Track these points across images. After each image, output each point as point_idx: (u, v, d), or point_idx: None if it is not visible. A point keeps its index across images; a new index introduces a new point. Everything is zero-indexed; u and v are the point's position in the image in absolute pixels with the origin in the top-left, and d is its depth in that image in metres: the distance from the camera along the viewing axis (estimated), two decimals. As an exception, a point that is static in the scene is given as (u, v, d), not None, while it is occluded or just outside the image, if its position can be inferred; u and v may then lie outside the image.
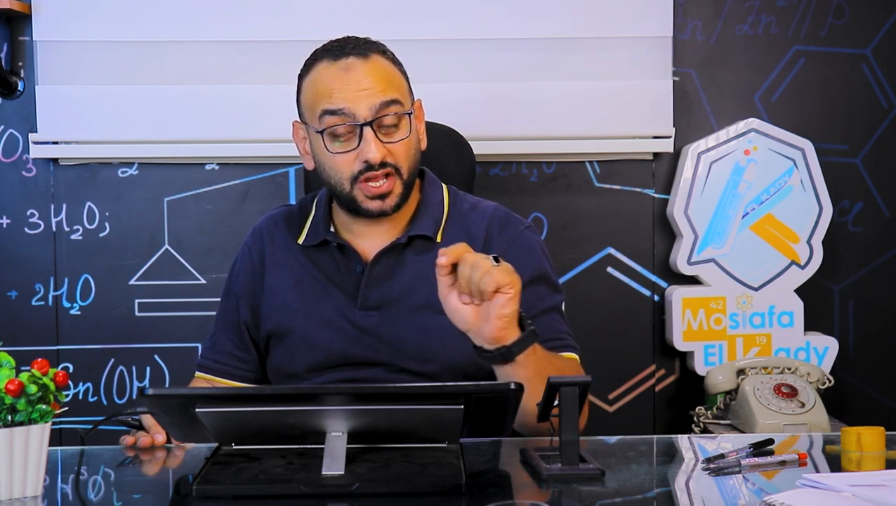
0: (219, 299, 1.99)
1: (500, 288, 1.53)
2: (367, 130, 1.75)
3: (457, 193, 1.94)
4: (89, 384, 2.75)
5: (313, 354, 1.85)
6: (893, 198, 2.82)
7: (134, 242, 2.76)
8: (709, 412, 2.60)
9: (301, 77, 1.84)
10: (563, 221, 2.79)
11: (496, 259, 1.54)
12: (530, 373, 1.58)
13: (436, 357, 1.79)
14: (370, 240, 1.86)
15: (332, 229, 1.89)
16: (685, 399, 2.79)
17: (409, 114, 1.79)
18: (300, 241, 1.90)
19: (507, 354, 1.58)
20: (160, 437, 1.61)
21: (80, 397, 2.75)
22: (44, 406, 1.32)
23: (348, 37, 1.84)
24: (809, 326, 2.77)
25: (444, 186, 1.94)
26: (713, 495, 1.37)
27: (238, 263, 1.96)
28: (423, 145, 1.88)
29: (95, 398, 2.76)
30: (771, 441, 1.51)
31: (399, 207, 1.81)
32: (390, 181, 1.78)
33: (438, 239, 1.86)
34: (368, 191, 1.78)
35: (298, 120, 1.87)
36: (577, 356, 1.83)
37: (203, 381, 1.94)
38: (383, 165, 1.76)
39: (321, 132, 1.78)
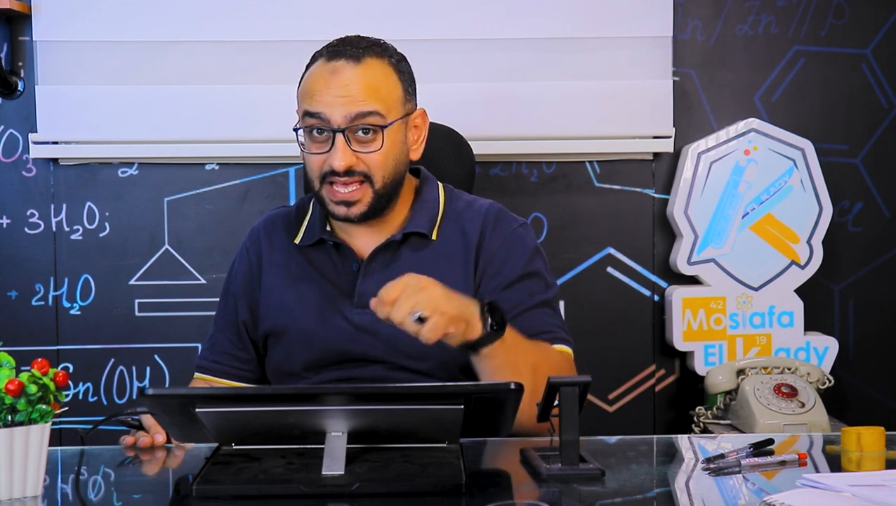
0: (218, 299, 2.00)
1: (441, 337, 1.59)
2: (339, 137, 1.76)
3: (452, 191, 1.94)
4: (89, 384, 2.75)
5: (311, 352, 1.85)
6: (893, 198, 2.82)
7: (134, 242, 2.76)
8: (709, 412, 2.60)
9: (305, 68, 1.85)
10: (563, 221, 2.79)
11: (420, 320, 1.56)
12: (500, 362, 1.65)
13: (432, 354, 1.79)
14: (365, 238, 1.87)
15: (328, 228, 1.89)
16: (685, 399, 2.79)
17: (384, 127, 1.77)
18: (297, 240, 1.91)
19: (470, 350, 1.66)
20: (160, 437, 1.61)
21: (80, 397, 2.75)
22: (44, 406, 1.32)
23: (354, 36, 1.84)
24: (809, 326, 2.77)
25: (441, 184, 1.94)
26: (713, 495, 1.37)
27: (236, 263, 1.97)
28: (416, 156, 1.87)
29: (95, 398, 2.76)
30: (771, 441, 1.51)
31: (368, 217, 1.81)
32: (360, 189, 1.79)
33: (434, 236, 1.86)
34: (333, 195, 1.79)
35: None
36: (569, 350, 1.84)
37: (202, 381, 1.94)
38: (350, 172, 1.77)
39: (298, 129, 1.81)
